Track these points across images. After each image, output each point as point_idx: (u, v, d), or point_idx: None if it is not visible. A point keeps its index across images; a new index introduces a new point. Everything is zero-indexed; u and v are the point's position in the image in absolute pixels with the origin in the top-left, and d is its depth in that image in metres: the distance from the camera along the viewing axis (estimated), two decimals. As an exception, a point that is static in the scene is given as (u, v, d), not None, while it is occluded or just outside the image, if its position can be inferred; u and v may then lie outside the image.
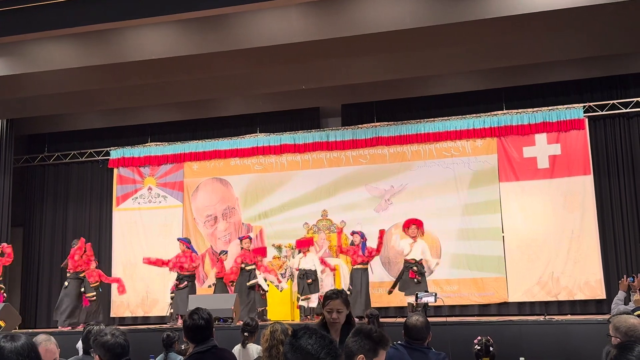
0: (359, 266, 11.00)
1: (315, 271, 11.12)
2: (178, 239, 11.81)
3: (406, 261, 10.80)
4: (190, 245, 11.64)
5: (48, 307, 13.96)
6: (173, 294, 11.21)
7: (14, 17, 9.04)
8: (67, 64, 9.84)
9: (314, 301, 10.96)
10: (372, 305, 10.53)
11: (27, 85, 10.51)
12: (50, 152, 14.61)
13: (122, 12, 8.81)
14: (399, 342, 4.18)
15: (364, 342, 2.80)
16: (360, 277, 10.92)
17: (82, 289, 11.48)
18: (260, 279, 11.30)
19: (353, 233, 11.29)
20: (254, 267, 11.28)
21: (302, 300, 11.07)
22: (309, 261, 11.19)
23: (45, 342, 3.75)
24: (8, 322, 10.52)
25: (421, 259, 10.77)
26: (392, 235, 12.19)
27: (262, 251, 11.90)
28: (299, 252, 11.40)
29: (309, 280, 11.00)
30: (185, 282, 11.11)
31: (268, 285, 11.48)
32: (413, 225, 10.98)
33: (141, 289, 12.41)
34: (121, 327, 3.96)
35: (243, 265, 11.28)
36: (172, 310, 11.28)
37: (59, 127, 14.14)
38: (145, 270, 12.25)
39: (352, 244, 11.24)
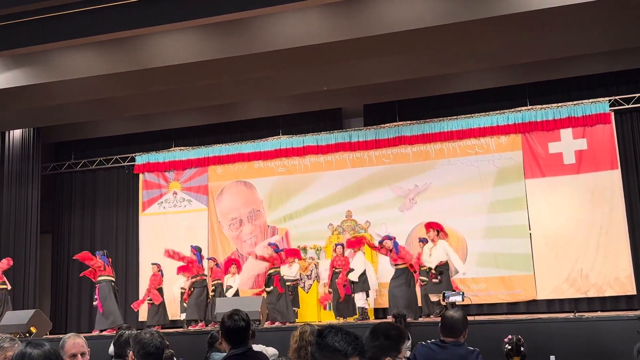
0: (400, 265, 10.91)
1: (364, 270, 10.97)
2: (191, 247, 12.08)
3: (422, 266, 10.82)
4: (197, 253, 11.92)
5: (78, 312, 14.16)
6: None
7: (38, 26, 9.19)
8: (91, 72, 9.97)
9: (359, 300, 10.91)
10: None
11: (53, 94, 10.67)
12: (77, 159, 14.82)
13: (144, 19, 8.91)
14: (432, 340, 4.17)
15: (385, 343, 2.74)
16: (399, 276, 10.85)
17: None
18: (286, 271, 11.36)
19: (385, 238, 11.13)
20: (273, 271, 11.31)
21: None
22: (358, 261, 11.08)
23: (74, 336, 3.88)
24: (39, 328, 10.70)
25: (441, 261, 10.68)
26: (414, 241, 12.05)
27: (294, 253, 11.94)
28: (352, 252, 11.31)
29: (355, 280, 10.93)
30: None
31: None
32: (431, 229, 10.94)
33: (169, 293, 12.49)
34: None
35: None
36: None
37: (85, 134, 14.34)
38: (173, 275, 12.33)
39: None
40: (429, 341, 4.16)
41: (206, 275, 12.00)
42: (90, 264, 11.81)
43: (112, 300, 11.60)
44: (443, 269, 10.65)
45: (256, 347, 5.54)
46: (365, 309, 10.98)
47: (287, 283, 11.24)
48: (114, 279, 11.96)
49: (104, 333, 11.16)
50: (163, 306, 12.05)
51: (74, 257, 12.39)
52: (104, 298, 11.57)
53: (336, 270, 11.06)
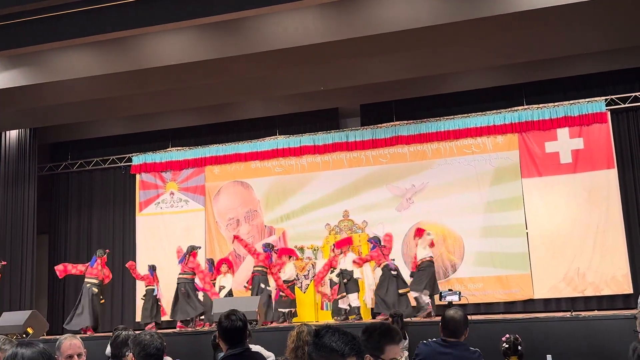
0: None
1: (352, 271, 10.97)
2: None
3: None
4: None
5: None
6: None
7: (34, 27, 9.18)
8: (87, 72, 9.96)
9: (348, 300, 10.91)
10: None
11: (49, 94, 10.65)
12: (73, 160, 14.79)
13: (140, 19, 8.90)
14: (433, 339, 4.17)
15: (369, 340, 2.71)
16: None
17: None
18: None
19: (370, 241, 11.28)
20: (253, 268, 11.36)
21: (337, 298, 11.05)
22: (349, 261, 11.08)
23: (70, 337, 3.87)
24: (35, 329, 10.67)
25: (422, 259, 10.79)
26: (410, 241, 12.05)
27: (288, 251, 11.97)
28: (340, 252, 11.30)
29: (345, 280, 10.92)
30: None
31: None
32: (416, 237, 11.17)
33: (165, 294, 12.49)
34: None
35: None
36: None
37: (82, 135, 14.32)
38: (169, 275, 12.33)
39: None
40: (430, 340, 4.16)
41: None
42: (71, 272, 11.90)
43: (79, 303, 11.69)
44: (421, 267, 10.71)
45: (254, 348, 5.53)
46: (347, 309, 10.98)
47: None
48: (94, 282, 11.82)
49: (99, 334, 11.17)
50: (157, 305, 12.02)
51: (60, 278, 12.39)
52: (80, 300, 11.72)
53: (334, 270, 11.11)
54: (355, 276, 10.96)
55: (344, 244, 11.30)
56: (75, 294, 14.09)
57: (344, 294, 10.91)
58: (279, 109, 12.97)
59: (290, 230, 13.18)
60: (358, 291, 10.96)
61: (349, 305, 10.92)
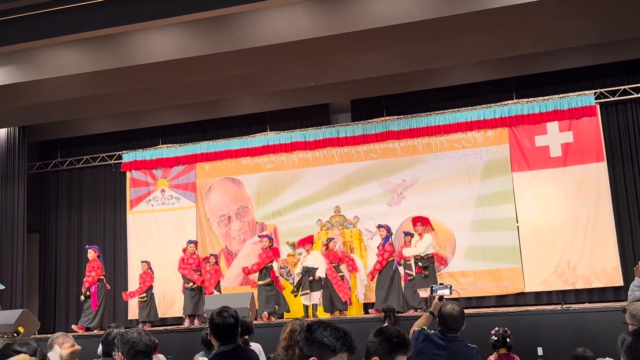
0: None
1: (316, 269, 10.93)
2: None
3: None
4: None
5: (66, 311, 14.08)
6: None
7: (22, 24, 9.12)
8: (76, 70, 9.90)
9: (312, 299, 10.95)
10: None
11: (38, 92, 10.58)
12: (63, 158, 14.72)
13: (129, 16, 8.86)
14: (432, 330, 4.19)
15: (382, 345, 2.72)
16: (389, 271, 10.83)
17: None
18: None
19: (379, 227, 11.16)
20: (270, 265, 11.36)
21: (301, 294, 11.06)
22: (312, 258, 11.12)
23: (63, 336, 3.87)
24: (27, 328, 10.62)
25: (426, 254, 10.72)
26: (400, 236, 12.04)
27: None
28: (304, 249, 11.38)
29: (311, 278, 10.92)
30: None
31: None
32: (418, 223, 11.03)
33: (157, 291, 12.47)
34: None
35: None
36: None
37: (71, 133, 14.24)
38: (161, 272, 12.32)
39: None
40: (430, 330, 4.18)
41: None
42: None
43: None
44: (429, 262, 10.69)
45: (253, 346, 5.51)
46: (307, 306, 11.00)
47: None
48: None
49: (90, 332, 11.22)
50: (153, 303, 12.03)
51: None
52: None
53: (332, 264, 11.13)
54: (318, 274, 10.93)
55: (305, 242, 11.39)
56: (66, 293, 14.09)
57: (308, 291, 10.91)
58: (269, 105, 12.94)
59: (282, 227, 13.17)
60: (321, 290, 10.94)
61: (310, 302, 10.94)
